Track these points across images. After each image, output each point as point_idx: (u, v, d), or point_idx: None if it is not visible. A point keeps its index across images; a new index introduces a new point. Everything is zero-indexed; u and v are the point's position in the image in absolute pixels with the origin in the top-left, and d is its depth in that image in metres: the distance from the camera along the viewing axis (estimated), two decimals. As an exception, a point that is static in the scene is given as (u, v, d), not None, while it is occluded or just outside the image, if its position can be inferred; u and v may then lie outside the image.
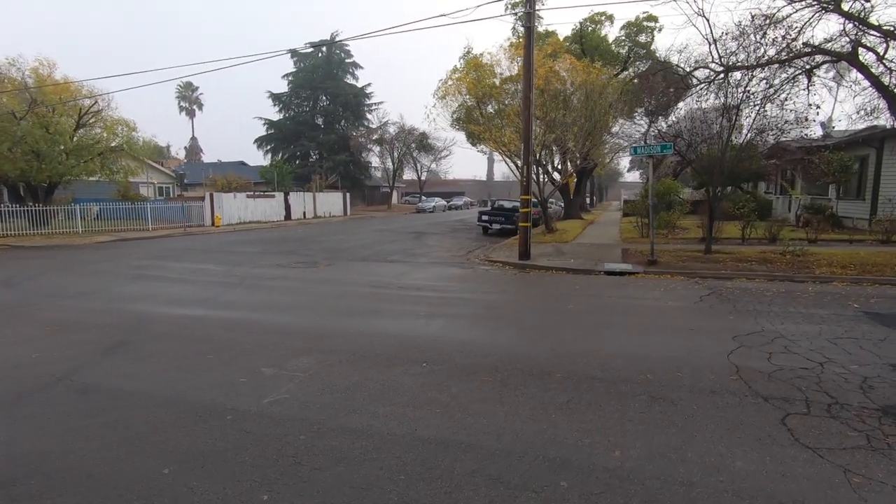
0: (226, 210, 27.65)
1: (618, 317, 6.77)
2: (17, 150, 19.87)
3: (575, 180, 28.20)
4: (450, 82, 18.24)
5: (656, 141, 13.07)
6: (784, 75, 12.05)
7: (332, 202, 37.57)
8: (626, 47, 24.45)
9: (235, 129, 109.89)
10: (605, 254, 13.80)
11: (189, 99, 71.19)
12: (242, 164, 49.40)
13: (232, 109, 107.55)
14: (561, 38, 26.38)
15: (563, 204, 30.14)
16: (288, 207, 32.58)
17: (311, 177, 37.88)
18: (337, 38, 48.33)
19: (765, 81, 11.85)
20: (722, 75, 12.61)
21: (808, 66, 12.30)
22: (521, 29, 26.06)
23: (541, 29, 26.12)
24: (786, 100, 11.78)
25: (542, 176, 18.98)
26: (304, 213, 34.32)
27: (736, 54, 12.13)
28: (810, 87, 12.70)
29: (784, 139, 13.01)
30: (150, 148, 72.47)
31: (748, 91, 11.74)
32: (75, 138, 21.67)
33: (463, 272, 11.40)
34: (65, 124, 21.05)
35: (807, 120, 11.63)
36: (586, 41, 23.85)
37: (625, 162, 52.97)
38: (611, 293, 8.58)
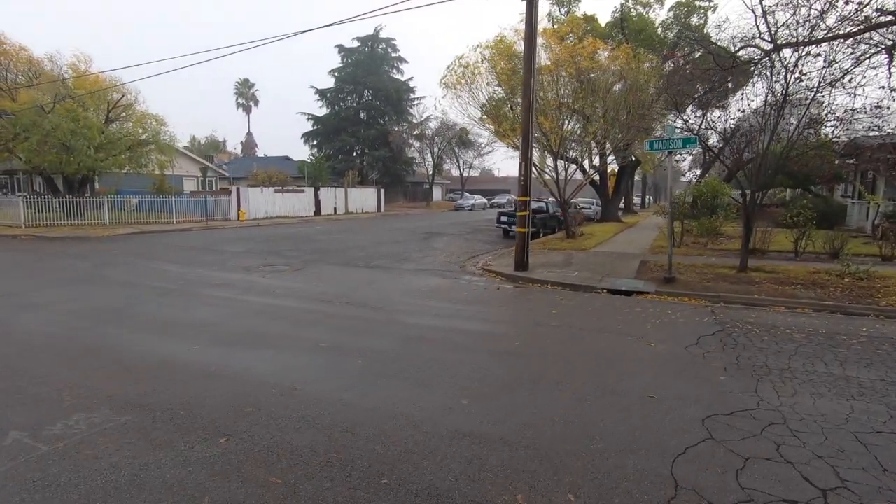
0: (252, 204, 27.58)
1: (565, 364, 5.09)
2: (47, 143, 20.42)
3: (615, 179, 25.77)
4: (457, 69, 16.63)
5: (686, 134, 10.88)
6: (853, 52, 9.57)
7: (365, 198, 36.98)
8: (675, 31, 21.74)
9: (287, 125, 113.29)
10: (620, 266, 11.82)
11: (246, 96, 73.60)
12: (287, 158, 50.12)
13: (285, 106, 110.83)
14: (603, 25, 24.02)
15: (600, 205, 27.75)
16: (318, 203, 32.23)
17: (345, 172, 37.44)
18: (380, 33, 47.82)
19: (827, 60, 9.45)
20: (771, 55, 10.29)
21: (891, 42, 9.70)
22: (558, 14, 24.05)
23: (579, 13, 23.93)
24: (857, 85, 9.32)
25: (564, 172, 16.99)
26: (335, 209, 33.90)
27: (789, 27, 9.79)
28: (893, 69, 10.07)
29: (852, 132, 10.45)
30: (210, 143, 75.81)
31: (802, 73, 9.41)
32: (105, 132, 22.06)
33: (440, 283, 9.93)
34: (93, 118, 21.46)
35: (880, 108, 9.14)
36: (628, 26, 21.41)
37: (687, 160, 48.89)
38: (590, 322, 6.83)
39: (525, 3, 10.77)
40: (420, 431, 3.52)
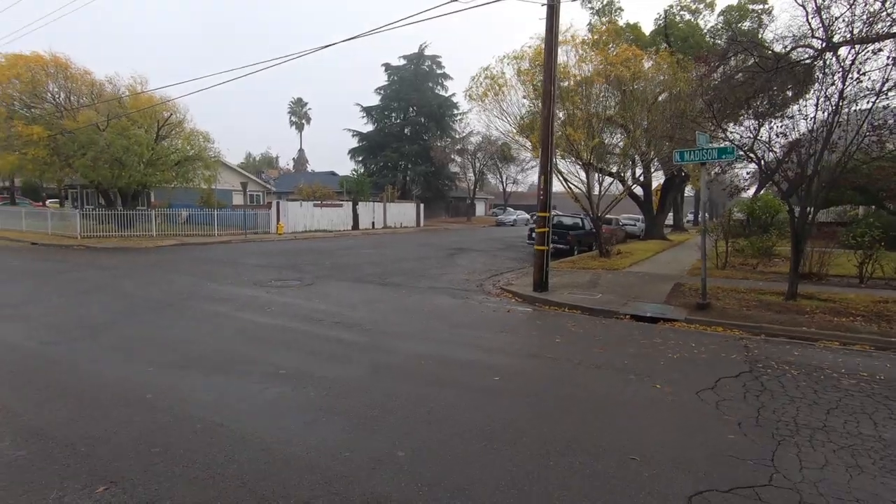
0: (291, 218, 28.09)
1: (542, 407, 4.35)
2: (101, 159, 21.65)
3: (660, 194, 24.29)
4: (482, 81, 16.08)
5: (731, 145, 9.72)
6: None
7: (403, 213, 37.01)
8: (725, 38, 20.29)
9: (337, 142, 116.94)
10: (651, 289, 10.77)
11: (298, 114, 76.55)
12: (333, 174, 51.31)
13: (335, 123, 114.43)
14: (647, 34, 22.88)
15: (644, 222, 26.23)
16: (355, 217, 32.49)
17: (385, 187, 37.70)
18: (425, 50, 48.36)
19: (892, 57, 8.20)
20: (824, 54, 9.12)
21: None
22: (598, 23, 23.15)
23: (621, 22, 22.92)
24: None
25: (598, 186, 16.01)
26: (373, 224, 34.07)
27: (846, 22, 8.62)
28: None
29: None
30: (263, 159, 79.14)
31: (861, 73, 8.21)
32: (154, 148, 23.17)
33: (449, 304, 9.32)
34: (143, 135, 22.57)
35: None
36: (673, 33, 20.21)
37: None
38: (593, 356, 5.99)
39: (546, 7, 10.16)
40: (328, 492, 2.93)
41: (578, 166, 16.71)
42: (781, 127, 9.82)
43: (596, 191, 15.99)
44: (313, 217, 29.64)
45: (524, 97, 17.37)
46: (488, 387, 4.80)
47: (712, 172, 25.35)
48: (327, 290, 10.32)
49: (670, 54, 16.22)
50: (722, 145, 8.64)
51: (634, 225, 27.96)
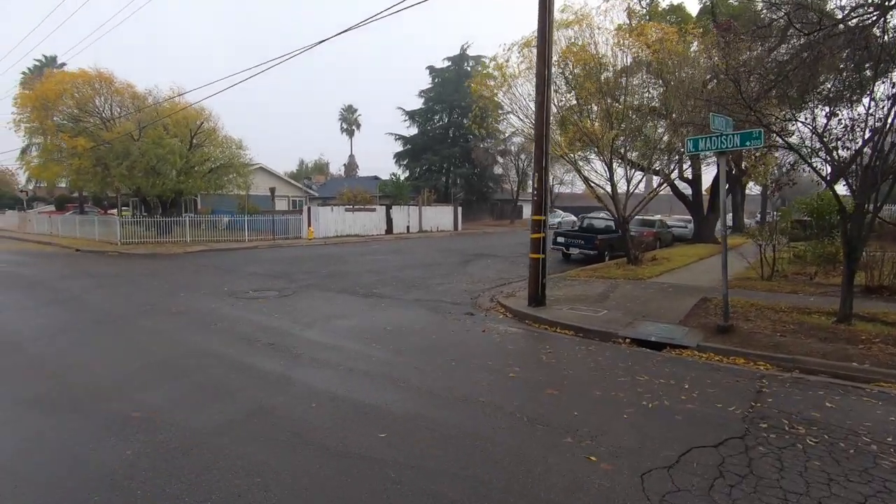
0: (322, 223, 27.90)
1: (409, 488, 3.14)
2: (136, 167, 22.37)
3: (710, 193, 21.77)
4: (492, 72, 14.70)
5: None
6: None
7: (440, 216, 36.09)
8: (784, 11, 17.66)
9: (385, 146, 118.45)
10: (670, 304, 9.08)
11: (349, 120, 77.86)
12: (376, 178, 51.37)
13: (385, 128, 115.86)
14: (693, 14, 20.54)
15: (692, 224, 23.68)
16: (389, 221, 31.94)
17: (421, 190, 37.00)
18: (467, 50, 47.37)
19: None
20: (886, 14, 7.17)
21: None
22: (638, 7, 21.10)
23: (664, 4, 20.75)
24: None
25: (627, 184, 14.23)
26: (408, 228, 33.39)
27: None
28: None
29: None
30: (316, 166, 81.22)
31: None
32: (187, 157, 23.68)
33: (422, 321, 8.18)
34: (176, 144, 23.10)
35: None
36: (721, 11, 17.88)
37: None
38: (538, 402, 4.64)
39: (538, -22, 8.78)
40: None
41: (618, 164, 14.88)
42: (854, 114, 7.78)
43: (623, 188, 14.20)
44: (344, 222, 29.35)
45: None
46: (360, 450, 3.63)
47: (783, 166, 22.44)
48: (298, 303, 9.49)
49: (744, 41, 14.16)
50: (747, 130, 6.89)
51: (685, 227, 25.37)
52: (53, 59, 45.52)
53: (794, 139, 8.65)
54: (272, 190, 26.22)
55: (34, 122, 24.06)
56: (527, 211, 58.40)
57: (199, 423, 4.07)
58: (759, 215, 44.61)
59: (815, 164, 7.54)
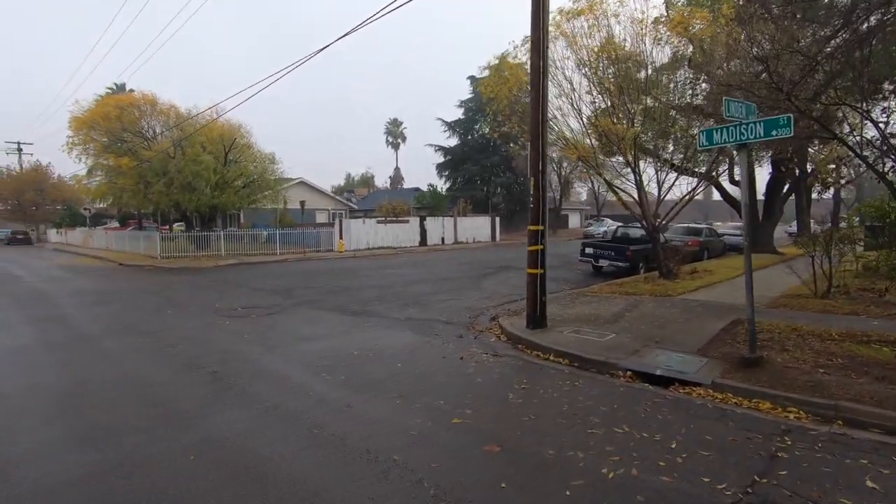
0: (353, 236, 27.73)
1: None
2: (173, 184, 23.09)
3: (764, 197, 19.55)
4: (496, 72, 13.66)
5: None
6: None
7: (477, 227, 35.15)
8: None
9: (428, 158, 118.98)
10: (694, 327, 7.71)
11: (394, 133, 78.81)
12: (417, 189, 51.24)
13: (428, 139, 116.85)
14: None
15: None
16: (423, 233, 31.37)
17: (457, 200, 36.27)
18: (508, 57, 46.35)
19: None
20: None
21: None
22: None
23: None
24: None
25: (658, 188, 12.74)
26: (443, 239, 32.67)
27: None
28: None
29: None
30: (362, 179, 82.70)
31: None
32: (221, 172, 24.20)
33: (400, 344, 7.32)
34: (211, 161, 23.65)
35: None
36: (773, -9, 15.91)
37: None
38: (484, 466, 3.65)
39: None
40: None
41: (665, 169, 13.32)
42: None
43: (655, 195, 12.73)
44: (377, 234, 29.04)
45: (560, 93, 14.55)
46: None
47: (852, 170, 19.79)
48: (280, 323, 8.89)
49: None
50: (774, 116, 5.57)
51: (739, 235, 22.98)
52: (123, 86, 48.96)
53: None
54: (302, 203, 26.35)
55: (87, 143, 25.45)
56: (573, 220, 56.48)
57: (49, 478, 3.40)
58: (829, 220, 40.37)
59: (867, 156, 6.05)
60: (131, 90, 45.63)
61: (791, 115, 5.31)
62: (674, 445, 3.88)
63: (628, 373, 5.95)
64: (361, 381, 5.59)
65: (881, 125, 5.72)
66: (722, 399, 5.08)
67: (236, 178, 25.19)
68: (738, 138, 5.69)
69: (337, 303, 10.74)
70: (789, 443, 3.95)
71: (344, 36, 10.10)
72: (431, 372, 5.99)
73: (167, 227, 45.16)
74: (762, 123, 5.51)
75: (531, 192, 8.05)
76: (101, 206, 37.24)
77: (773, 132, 5.44)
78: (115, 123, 23.86)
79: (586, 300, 10.44)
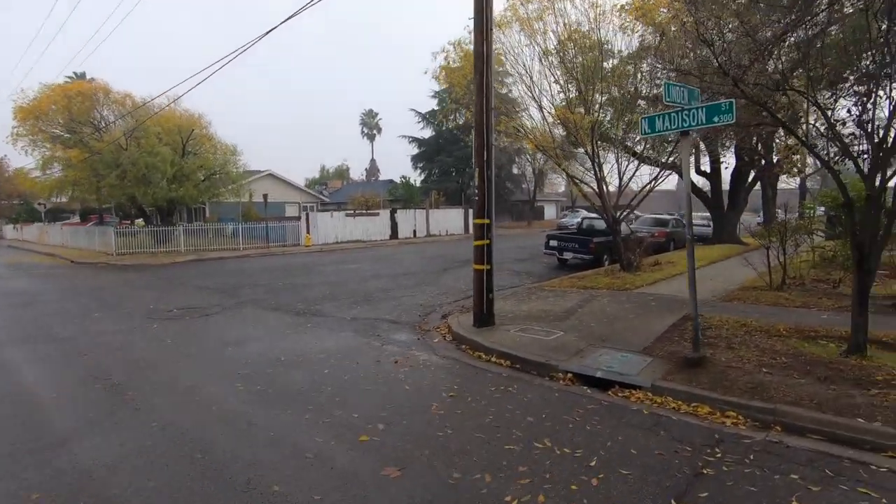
0: (321, 229, 26.99)
1: None
2: (126, 177, 22.02)
3: (728, 187, 19.56)
4: (453, 56, 13.20)
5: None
6: None
7: (449, 219, 34.72)
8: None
9: (403, 150, 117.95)
10: (644, 324, 7.41)
11: (370, 125, 77.56)
12: (391, 181, 50.55)
13: (404, 131, 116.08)
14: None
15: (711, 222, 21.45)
16: (394, 226, 30.78)
17: (430, 192, 35.75)
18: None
19: None
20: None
21: None
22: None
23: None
24: None
25: (619, 179, 12.48)
26: (415, 232, 32.12)
27: None
28: None
29: None
30: (337, 171, 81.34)
31: None
32: (178, 164, 23.18)
33: (333, 348, 6.85)
34: (167, 152, 22.64)
35: None
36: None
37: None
38: (378, 494, 3.23)
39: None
40: None
41: (627, 157, 12.96)
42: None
43: (616, 185, 12.46)
44: (345, 227, 28.35)
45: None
46: None
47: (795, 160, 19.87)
48: (213, 325, 8.32)
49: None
50: (716, 102, 5.21)
51: (708, 226, 23.04)
52: (83, 74, 46.80)
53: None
54: (265, 196, 25.49)
55: (34, 134, 24.11)
56: (549, 211, 56.45)
57: None
58: (797, 211, 41.07)
59: (816, 144, 5.77)
60: (92, 79, 43.74)
61: (733, 101, 4.96)
62: (593, 463, 3.51)
63: (568, 375, 5.61)
64: (278, 392, 5.12)
65: (828, 112, 5.38)
66: (660, 403, 4.76)
67: (196, 171, 24.19)
68: (679, 125, 5.34)
69: (282, 302, 10.20)
70: (719, 455, 3.63)
71: (297, 13, 9.46)
72: (358, 379, 5.54)
73: (129, 221, 43.62)
74: (704, 109, 5.16)
75: (475, 184, 7.62)
76: (61, 200, 35.67)
77: (715, 118, 5.10)
78: (63, 113, 22.62)
79: (543, 295, 10.11)
